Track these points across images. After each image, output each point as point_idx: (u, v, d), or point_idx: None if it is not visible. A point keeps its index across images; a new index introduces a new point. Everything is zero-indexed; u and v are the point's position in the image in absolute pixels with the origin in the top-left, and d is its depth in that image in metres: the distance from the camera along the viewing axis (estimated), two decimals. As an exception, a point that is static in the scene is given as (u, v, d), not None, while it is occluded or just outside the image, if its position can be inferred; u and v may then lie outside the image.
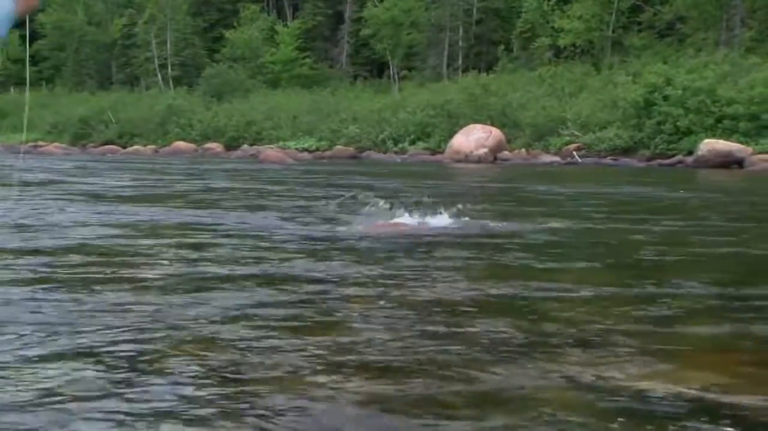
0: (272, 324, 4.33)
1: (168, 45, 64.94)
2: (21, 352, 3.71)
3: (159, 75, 66.13)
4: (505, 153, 36.49)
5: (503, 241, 8.35)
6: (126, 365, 3.52)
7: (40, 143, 56.69)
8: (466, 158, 34.99)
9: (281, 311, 4.65)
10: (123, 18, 70.37)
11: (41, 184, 18.14)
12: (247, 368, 3.51)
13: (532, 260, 7.04)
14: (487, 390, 3.28)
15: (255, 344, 3.89)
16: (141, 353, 3.70)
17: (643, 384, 3.29)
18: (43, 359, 3.60)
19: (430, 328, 4.30)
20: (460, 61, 56.42)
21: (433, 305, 5.00)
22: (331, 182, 20.16)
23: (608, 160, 34.56)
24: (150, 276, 5.86)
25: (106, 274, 5.85)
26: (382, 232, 9.01)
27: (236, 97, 56.58)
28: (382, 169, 28.67)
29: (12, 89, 70.96)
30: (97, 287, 5.27)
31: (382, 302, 5.05)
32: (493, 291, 5.45)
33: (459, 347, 3.87)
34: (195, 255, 7.08)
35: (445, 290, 5.56)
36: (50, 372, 3.41)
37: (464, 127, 37.95)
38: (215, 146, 49.87)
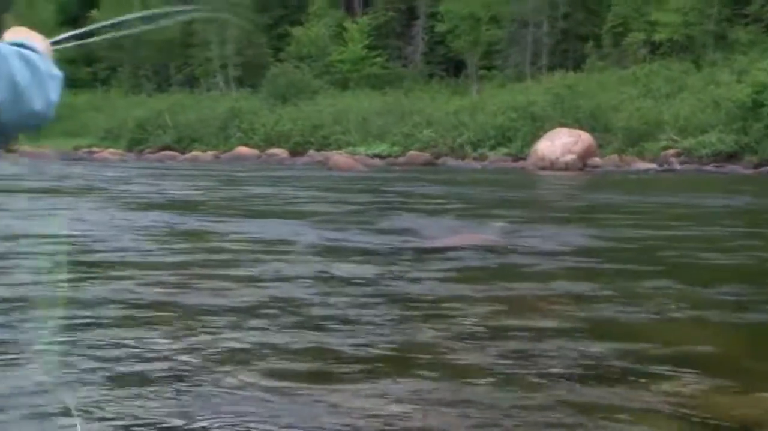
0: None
1: (229, 44, 65.78)
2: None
3: (220, 76, 66.97)
4: (595, 160, 36.39)
5: (591, 257, 8.57)
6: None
7: (95, 149, 57.89)
8: (552, 165, 34.98)
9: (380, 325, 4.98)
10: (181, 15, 71.54)
11: (104, 193, 18.82)
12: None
13: (623, 278, 7.27)
14: (594, 404, 3.57)
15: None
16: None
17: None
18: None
19: (528, 347, 4.60)
20: (544, 59, 56.30)
21: (530, 322, 5.29)
22: (406, 190, 20.47)
23: (710, 167, 34.24)
24: (244, 297, 6.24)
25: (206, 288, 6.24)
26: (465, 244, 9.30)
27: (302, 99, 56.95)
28: (460, 177, 28.90)
29: (65, 91, 72.71)
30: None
31: (472, 320, 5.36)
32: (584, 312, 5.71)
33: (558, 366, 4.17)
34: (291, 272, 7.46)
35: (536, 307, 5.85)
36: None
37: (549, 131, 37.89)
38: (280, 152, 50.34)
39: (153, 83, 71.62)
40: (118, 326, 5.30)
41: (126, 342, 4.78)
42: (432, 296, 6.32)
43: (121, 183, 23.36)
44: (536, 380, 3.99)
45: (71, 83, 73.75)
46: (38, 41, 1.80)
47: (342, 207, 15.36)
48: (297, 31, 64.93)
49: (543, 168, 35.00)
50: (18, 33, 1.83)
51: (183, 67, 71.01)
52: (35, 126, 1.56)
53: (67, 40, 2.08)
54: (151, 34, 72.36)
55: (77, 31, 2.12)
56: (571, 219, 13.17)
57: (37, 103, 1.50)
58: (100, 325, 5.40)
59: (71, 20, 76.80)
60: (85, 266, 7.79)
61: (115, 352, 4.66)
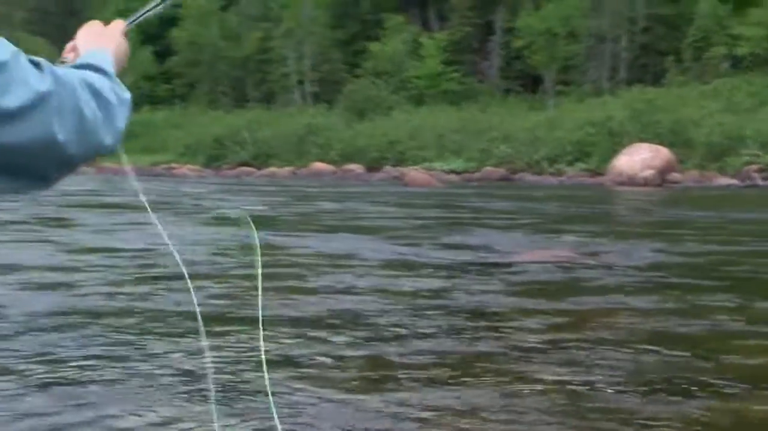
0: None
1: (306, 60, 66.44)
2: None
3: (297, 92, 67.65)
4: (675, 175, 35.97)
5: (663, 272, 8.55)
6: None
7: (173, 165, 58.82)
8: (630, 181, 34.66)
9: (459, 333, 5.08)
10: (259, 32, 72.32)
11: (183, 208, 19.20)
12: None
13: (693, 293, 7.25)
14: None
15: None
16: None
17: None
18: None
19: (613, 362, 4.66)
20: (623, 74, 55.89)
21: (593, 335, 5.34)
22: (482, 206, 20.52)
23: (794, 182, 33.65)
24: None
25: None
26: (538, 259, 9.35)
27: (378, 114, 57.26)
28: (536, 192, 28.82)
29: (144, 108, 74.08)
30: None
31: (536, 333, 5.43)
32: (649, 325, 5.74)
33: (618, 378, 4.22)
34: (363, 285, 7.60)
35: (600, 321, 5.89)
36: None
37: (628, 146, 37.59)
38: (356, 168, 50.62)
39: (230, 99, 72.58)
40: (187, 335, 5.48)
41: (199, 351, 4.95)
42: (498, 310, 6.41)
43: (199, 198, 23.80)
44: (593, 391, 4.06)
45: (150, 100, 75.35)
46: (112, 41, 1.75)
47: (416, 222, 15.49)
48: (374, 46, 65.33)
49: (621, 184, 34.69)
50: (92, 32, 1.79)
51: (260, 83, 71.91)
52: (102, 155, 1.50)
53: (142, 16, 2.04)
54: (229, 50, 73.64)
55: (149, 7, 2.07)
56: (646, 235, 13.10)
57: (106, 137, 1.44)
58: (169, 334, 5.61)
59: (152, 38, 78.57)
60: (158, 278, 8.04)
61: (186, 361, 4.84)
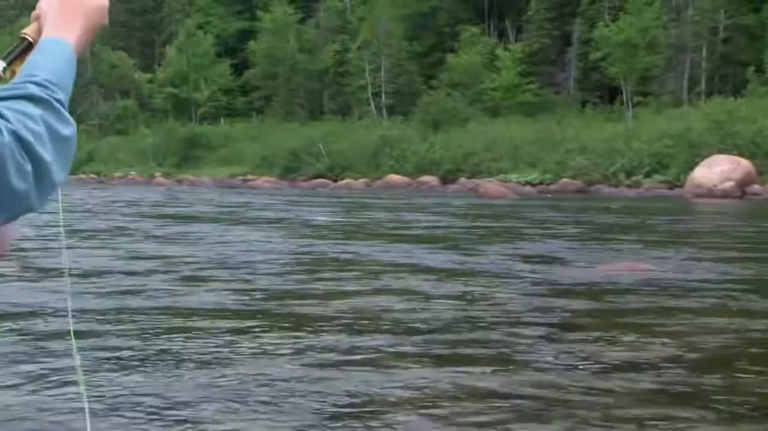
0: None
1: (382, 72, 66.72)
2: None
3: (372, 104, 67.93)
4: (756, 187, 35.44)
5: (740, 286, 8.52)
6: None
7: (249, 176, 59.53)
8: (709, 193, 34.27)
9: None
10: (335, 44, 72.86)
11: (262, 219, 19.51)
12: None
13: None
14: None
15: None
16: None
17: None
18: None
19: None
20: (703, 85, 55.19)
21: (679, 353, 5.40)
22: (558, 218, 20.49)
23: None
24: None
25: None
26: (619, 272, 9.37)
27: (454, 126, 57.26)
28: (613, 204, 28.64)
29: (222, 121, 75.05)
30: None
31: (615, 349, 5.52)
32: (747, 341, 5.78)
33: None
34: (436, 294, 7.73)
35: (684, 339, 5.95)
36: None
37: (707, 157, 37.16)
38: (430, 180, 50.73)
39: (306, 112, 73.09)
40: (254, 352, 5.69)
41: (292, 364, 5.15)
42: (578, 323, 6.49)
43: (277, 210, 24.13)
44: (677, 407, 4.16)
45: (227, 113, 76.34)
46: (79, 9, 1.49)
47: (491, 235, 15.56)
48: (450, 58, 65.37)
49: (700, 196, 34.30)
50: (56, 13, 1.49)
51: (336, 95, 72.39)
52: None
53: None
54: (306, 63, 74.28)
55: None
56: (727, 248, 13.01)
57: (34, 202, 1.25)
58: (253, 332, 5.84)
59: (229, 51, 79.64)
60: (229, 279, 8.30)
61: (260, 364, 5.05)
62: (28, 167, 1.22)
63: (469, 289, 8.19)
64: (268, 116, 74.80)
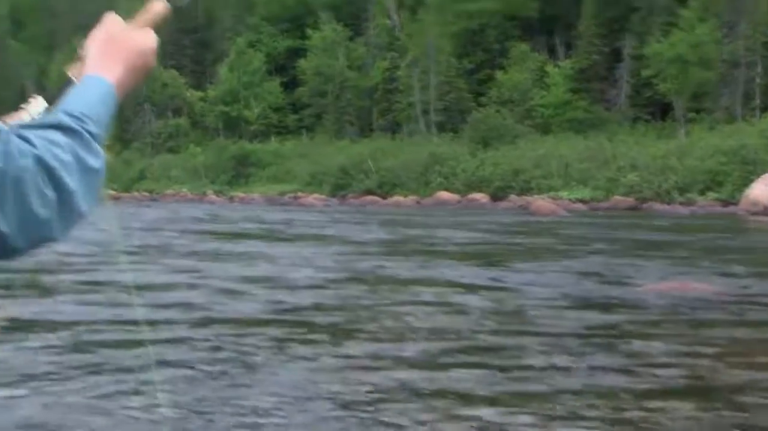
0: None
1: (431, 89, 66.74)
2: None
3: (422, 120, 67.98)
4: (813, 205, 34.86)
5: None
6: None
7: (299, 194, 59.80)
8: (765, 210, 33.77)
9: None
10: (385, 62, 73.06)
11: (314, 237, 19.56)
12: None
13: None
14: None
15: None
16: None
17: None
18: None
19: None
20: (758, 101, 54.48)
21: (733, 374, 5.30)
22: (610, 236, 20.32)
23: None
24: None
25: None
26: (673, 291, 9.24)
27: (503, 143, 57.16)
28: (665, 222, 28.36)
29: (272, 138, 75.52)
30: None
31: (672, 370, 5.42)
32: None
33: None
34: (497, 319, 7.68)
35: (742, 359, 5.82)
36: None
37: (763, 175, 36.66)
38: (480, 197, 50.62)
39: (356, 129, 73.36)
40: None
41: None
42: (632, 342, 6.38)
43: (325, 227, 24.18)
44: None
45: (278, 130, 76.89)
46: (120, 54, 1.49)
47: (542, 252, 15.46)
48: (499, 75, 65.29)
49: (755, 214, 33.80)
50: (100, 40, 1.50)
51: (386, 112, 72.49)
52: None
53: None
54: (356, 80, 74.62)
55: None
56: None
57: (57, 232, 1.23)
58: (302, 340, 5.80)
59: (279, 69, 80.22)
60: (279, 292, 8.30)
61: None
62: (52, 194, 1.21)
63: (518, 305, 8.12)
64: (317, 133, 75.20)
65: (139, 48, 1.51)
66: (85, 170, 1.27)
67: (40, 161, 1.20)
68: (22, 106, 1.42)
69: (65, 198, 1.22)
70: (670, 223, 27.73)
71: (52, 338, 6.80)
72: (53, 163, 1.21)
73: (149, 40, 1.53)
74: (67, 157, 1.24)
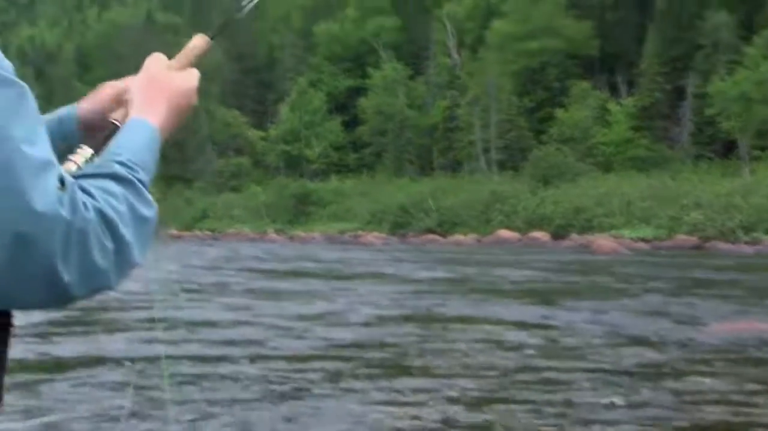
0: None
1: (492, 127, 66.76)
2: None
3: (482, 159, 67.94)
4: None
5: None
6: None
7: (360, 232, 59.95)
8: (832, 250, 33.19)
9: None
10: (445, 100, 73.28)
11: (376, 275, 19.62)
12: None
13: None
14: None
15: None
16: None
17: None
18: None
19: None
20: (825, 138, 53.70)
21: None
22: (673, 275, 20.10)
23: None
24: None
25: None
26: (740, 332, 9.12)
27: (564, 181, 56.87)
28: (729, 261, 27.98)
29: (332, 177, 75.96)
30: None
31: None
32: None
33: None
34: (564, 360, 7.65)
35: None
36: None
37: (829, 213, 36.07)
38: (541, 235, 50.30)
39: (416, 167, 73.53)
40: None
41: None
42: (691, 384, 6.32)
43: (384, 266, 24.22)
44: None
45: (338, 169, 77.39)
46: (163, 95, 1.51)
47: (605, 291, 15.33)
48: (560, 113, 65.13)
49: (822, 252, 33.25)
50: (143, 82, 1.54)
51: (446, 150, 72.59)
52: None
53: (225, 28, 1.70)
54: (416, 119, 74.90)
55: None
56: None
57: (113, 279, 1.25)
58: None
59: (340, 107, 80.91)
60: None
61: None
62: (111, 246, 1.22)
63: (571, 343, 8.08)
64: (378, 172, 75.46)
65: (182, 88, 1.53)
66: (139, 219, 1.29)
67: (101, 213, 1.22)
68: (69, 157, 1.44)
69: (122, 249, 1.24)
70: (734, 262, 27.34)
71: (105, 373, 6.93)
72: (112, 215, 1.23)
73: (191, 78, 1.55)
74: (123, 208, 1.27)
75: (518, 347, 7.88)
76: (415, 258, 28.93)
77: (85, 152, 1.46)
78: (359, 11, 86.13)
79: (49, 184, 1.15)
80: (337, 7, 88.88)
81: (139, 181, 1.33)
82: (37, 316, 9.44)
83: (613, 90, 69.92)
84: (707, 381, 6.31)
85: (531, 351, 7.61)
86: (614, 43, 69.90)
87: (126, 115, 1.50)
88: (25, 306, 1.21)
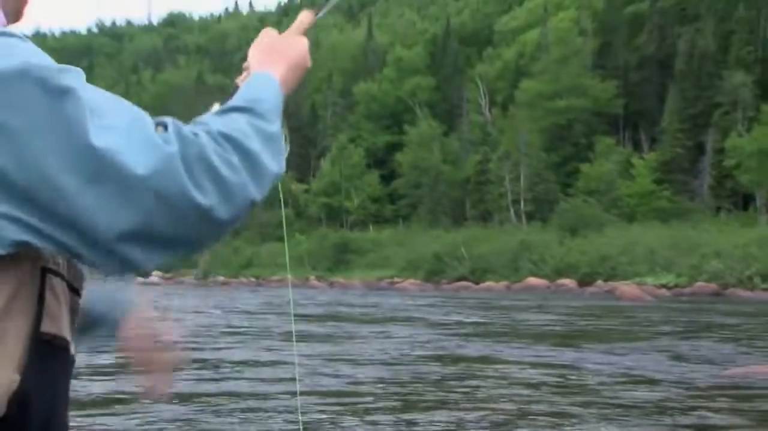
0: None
1: (521, 181, 66.97)
2: None
3: (512, 210, 68.11)
4: None
5: None
6: None
7: (396, 279, 60.02)
8: None
9: None
10: (477, 155, 73.65)
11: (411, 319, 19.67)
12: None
13: None
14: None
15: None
16: None
17: None
18: None
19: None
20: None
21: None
22: (695, 320, 19.99)
23: None
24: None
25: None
26: (749, 375, 9.10)
27: (590, 231, 56.76)
28: (748, 308, 27.72)
29: (370, 227, 76.31)
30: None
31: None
32: None
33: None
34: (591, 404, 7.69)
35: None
36: None
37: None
38: (568, 282, 50.11)
39: (450, 218, 73.70)
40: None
41: None
42: (698, 422, 6.34)
43: (417, 311, 24.27)
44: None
45: (376, 219, 77.74)
46: (280, 56, 1.56)
47: (624, 335, 15.30)
48: (585, 167, 65.28)
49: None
50: (261, 47, 1.59)
51: (478, 202, 72.88)
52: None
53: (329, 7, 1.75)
54: (450, 172, 75.20)
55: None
56: None
57: (254, 192, 1.28)
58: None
59: (378, 162, 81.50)
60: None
61: None
62: (236, 159, 1.25)
63: (587, 382, 8.11)
64: (413, 223, 75.73)
65: (298, 48, 1.58)
66: (264, 135, 1.32)
67: (218, 135, 1.25)
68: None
69: (251, 159, 1.27)
70: (752, 309, 27.11)
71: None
72: (231, 133, 1.27)
73: (305, 42, 1.60)
74: (244, 126, 1.30)
75: (534, 384, 7.94)
76: (446, 304, 28.93)
77: (215, 107, 1.47)
78: (396, 72, 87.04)
79: (145, 135, 1.19)
80: (375, 68, 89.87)
81: (260, 109, 1.37)
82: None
83: (637, 145, 70.00)
84: (715, 416, 6.34)
85: (545, 388, 7.66)
86: (637, 102, 70.10)
87: (248, 76, 1.54)
88: (194, 245, 1.25)
